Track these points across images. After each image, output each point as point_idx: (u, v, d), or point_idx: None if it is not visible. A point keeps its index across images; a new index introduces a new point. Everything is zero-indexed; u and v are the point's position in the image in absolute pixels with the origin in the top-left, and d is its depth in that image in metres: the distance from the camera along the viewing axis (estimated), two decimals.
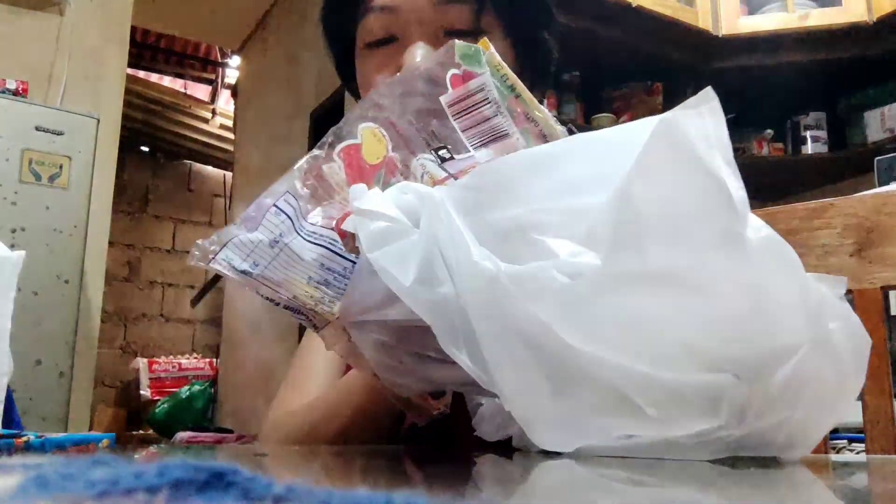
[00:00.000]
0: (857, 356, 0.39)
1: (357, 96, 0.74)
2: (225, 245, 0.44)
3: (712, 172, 0.34)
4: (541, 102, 0.49)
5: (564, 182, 0.38)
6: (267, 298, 0.45)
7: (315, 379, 0.74)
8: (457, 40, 0.48)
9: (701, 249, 0.34)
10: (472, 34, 0.66)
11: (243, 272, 0.44)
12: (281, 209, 0.45)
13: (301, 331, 1.02)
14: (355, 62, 0.72)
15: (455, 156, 0.46)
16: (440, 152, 0.47)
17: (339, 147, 0.46)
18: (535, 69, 0.74)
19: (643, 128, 0.36)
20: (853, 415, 0.71)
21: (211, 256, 0.44)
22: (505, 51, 0.68)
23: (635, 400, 0.34)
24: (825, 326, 0.36)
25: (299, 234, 0.45)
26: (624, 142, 0.37)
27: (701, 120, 0.35)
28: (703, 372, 0.34)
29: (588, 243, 0.36)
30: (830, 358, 0.36)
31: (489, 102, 0.46)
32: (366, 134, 0.46)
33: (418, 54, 0.64)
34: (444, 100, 0.46)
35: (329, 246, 0.45)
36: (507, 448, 0.44)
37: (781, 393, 0.35)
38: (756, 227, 0.36)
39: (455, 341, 0.38)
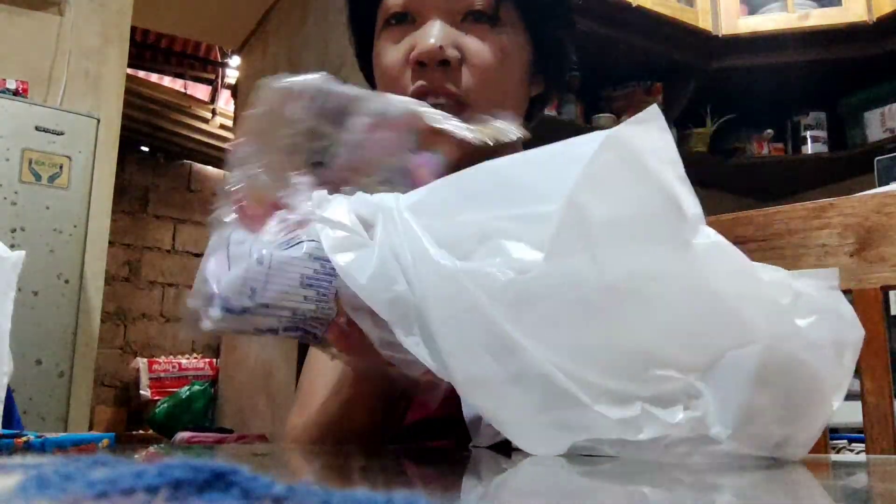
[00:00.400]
0: (841, 348, 0.39)
1: (372, 85, 0.73)
2: (216, 294, 0.44)
3: (663, 185, 0.35)
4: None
5: (524, 193, 0.40)
6: (267, 331, 0.45)
7: (318, 399, 0.73)
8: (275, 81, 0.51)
9: (649, 257, 0.35)
10: (490, 19, 0.65)
11: (243, 310, 0.44)
12: (239, 240, 0.45)
13: None
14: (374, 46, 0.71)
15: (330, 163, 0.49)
16: (315, 161, 0.49)
17: (230, 203, 0.48)
18: (550, 71, 0.73)
19: (594, 141, 0.37)
20: (853, 415, 0.71)
21: (204, 313, 0.44)
22: (521, 47, 0.68)
23: (584, 400, 0.35)
24: (791, 322, 0.36)
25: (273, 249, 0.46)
26: (579, 155, 0.38)
27: (648, 135, 0.36)
28: (655, 377, 0.35)
29: (543, 248, 0.38)
30: (808, 352, 0.36)
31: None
32: (250, 183, 0.48)
33: (433, 33, 0.63)
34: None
35: (308, 240, 0.46)
36: (507, 448, 0.44)
37: (754, 391, 0.35)
38: (705, 235, 0.36)
39: (410, 333, 0.40)
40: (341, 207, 0.44)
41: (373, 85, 0.73)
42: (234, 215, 0.46)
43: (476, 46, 0.64)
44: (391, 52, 0.66)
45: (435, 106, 0.64)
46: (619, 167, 0.35)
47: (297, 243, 0.46)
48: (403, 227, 0.41)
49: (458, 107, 0.64)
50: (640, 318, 0.35)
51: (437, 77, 0.63)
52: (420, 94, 0.64)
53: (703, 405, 0.35)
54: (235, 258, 0.45)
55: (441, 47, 0.62)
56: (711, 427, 0.35)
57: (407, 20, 0.66)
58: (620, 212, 0.35)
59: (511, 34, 0.67)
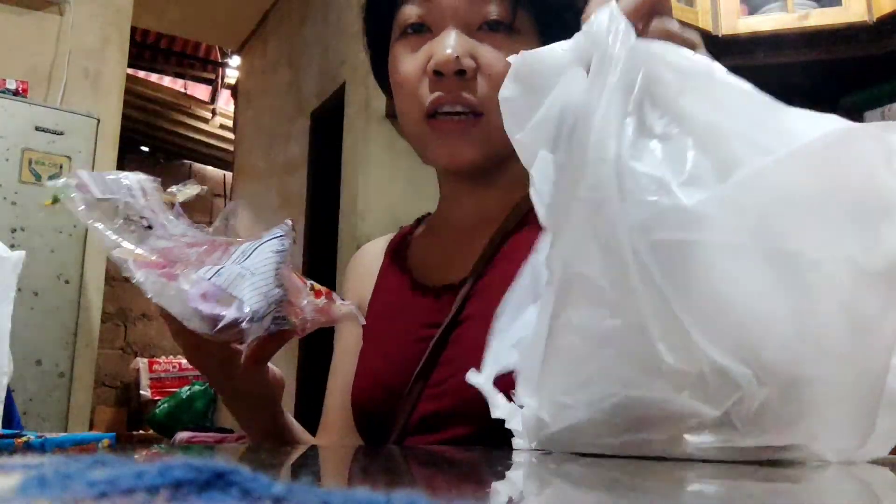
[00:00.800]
0: None
1: (389, 94, 0.74)
2: (245, 313, 0.49)
3: (884, 192, 0.33)
4: None
5: (761, 130, 0.37)
6: (273, 325, 0.52)
7: (336, 374, 0.79)
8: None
9: (828, 253, 0.33)
10: (507, 28, 0.66)
11: (264, 316, 0.50)
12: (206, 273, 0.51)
13: None
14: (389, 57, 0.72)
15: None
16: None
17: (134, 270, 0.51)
18: None
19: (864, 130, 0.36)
20: None
21: (238, 331, 0.50)
22: None
23: (656, 343, 0.34)
24: (885, 372, 0.35)
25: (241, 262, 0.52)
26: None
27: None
28: (731, 358, 0.34)
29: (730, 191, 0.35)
30: (870, 400, 0.35)
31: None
32: (125, 253, 0.52)
33: (450, 43, 0.64)
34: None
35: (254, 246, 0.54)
36: (507, 447, 0.44)
37: (797, 417, 0.35)
38: None
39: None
40: (562, 44, 0.43)
41: (387, 91, 0.74)
42: (143, 275, 0.50)
43: (491, 56, 0.65)
44: (408, 62, 0.67)
45: (451, 114, 0.65)
46: (851, 157, 0.34)
47: (253, 250, 0.52)
48: (608, 91, 0.37)
49: (474, 115, 0.65)
50: (778, 302, 0.34)
51: (453, 86, 0.65)
52: (437, 104, 0.65)
53: (748, 404, 0.34)
54: (229, 282, 0.50)
55: (457, 57, 0.64)
56: (743, 429, 0.34)
57: (423, 30, 0.67)
58: (827, 199, 0.33)
59: (526, 43, 0.67)
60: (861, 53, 2.50)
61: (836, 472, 0.35)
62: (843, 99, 2.72)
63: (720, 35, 2.55)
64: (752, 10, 2.62)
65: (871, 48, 2.48)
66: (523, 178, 0.71)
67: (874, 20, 2.43)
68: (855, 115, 2.68)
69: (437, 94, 0.65)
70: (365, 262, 0.83)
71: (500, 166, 0.69)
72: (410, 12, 0.68)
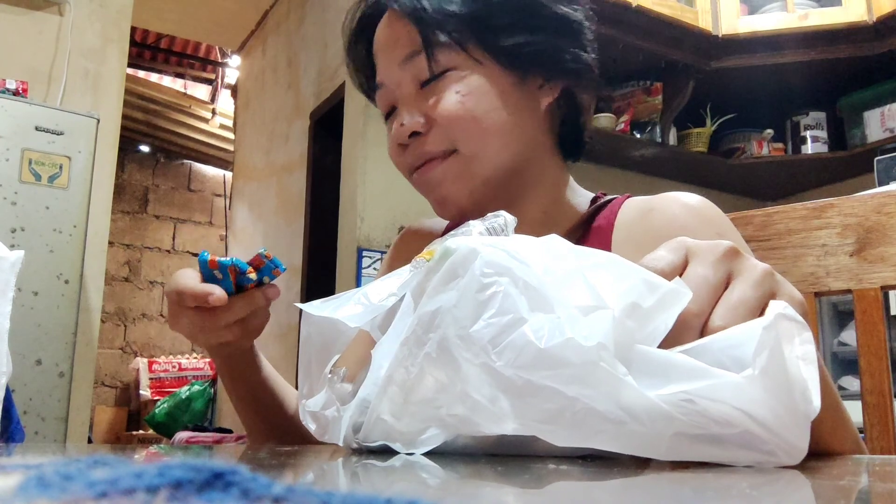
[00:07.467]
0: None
1: None
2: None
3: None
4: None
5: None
6: None
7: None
8: None
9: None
10: (437, 77, 0.71)
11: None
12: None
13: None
14: None
15: None
16: None
17: None
18: (545, 68, 0.74)
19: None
20: (853, 415, 0.71)
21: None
22: (484, 74, 0.71)
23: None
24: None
25: None
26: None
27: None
28: None
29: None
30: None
31: None
32: None
33: (399, 119, 0.72)
34: None
35: None
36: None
37: None
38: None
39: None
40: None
41: None
42: None
43: (433, 105, 0.70)
44: (390, 142, 0.76)
45: (428, 178, 0.72)
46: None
47: None
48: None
49: (444, 156, 0.71)
50: None
51: (417, 148, 0.72)
52: (411, 171, 0.73)
53: None
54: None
55: (403, 125, 0.71)
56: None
57: (393, 113, 0.75)
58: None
59: (469, 70, 0.70)
60: (861, 53, 2.50)
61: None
62: (842, 99, 2.72)
63: (720, 35, 2.55)
64: (752, 10, 2.62)
65: (871, 48, 2.48)
66: (535, 204, 0.74)
67: (874, 20, 2.43)
68: (855, 115, 2.68)
69: (407, 163, 0.74)
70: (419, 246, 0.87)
71: (499, 197, 0.72)
72: (379, 105, 0.77)
